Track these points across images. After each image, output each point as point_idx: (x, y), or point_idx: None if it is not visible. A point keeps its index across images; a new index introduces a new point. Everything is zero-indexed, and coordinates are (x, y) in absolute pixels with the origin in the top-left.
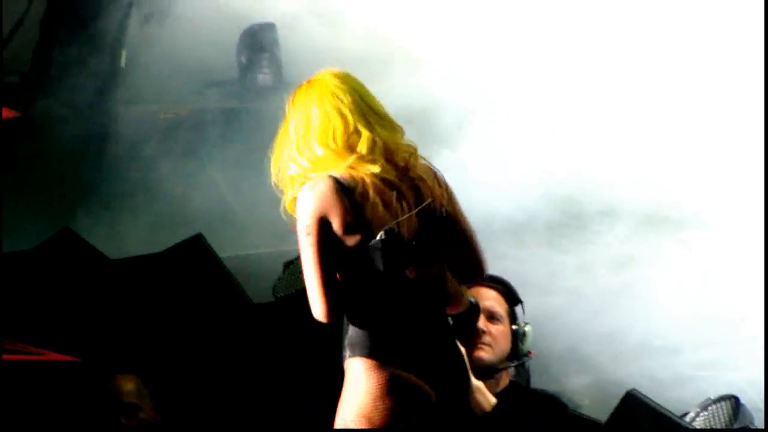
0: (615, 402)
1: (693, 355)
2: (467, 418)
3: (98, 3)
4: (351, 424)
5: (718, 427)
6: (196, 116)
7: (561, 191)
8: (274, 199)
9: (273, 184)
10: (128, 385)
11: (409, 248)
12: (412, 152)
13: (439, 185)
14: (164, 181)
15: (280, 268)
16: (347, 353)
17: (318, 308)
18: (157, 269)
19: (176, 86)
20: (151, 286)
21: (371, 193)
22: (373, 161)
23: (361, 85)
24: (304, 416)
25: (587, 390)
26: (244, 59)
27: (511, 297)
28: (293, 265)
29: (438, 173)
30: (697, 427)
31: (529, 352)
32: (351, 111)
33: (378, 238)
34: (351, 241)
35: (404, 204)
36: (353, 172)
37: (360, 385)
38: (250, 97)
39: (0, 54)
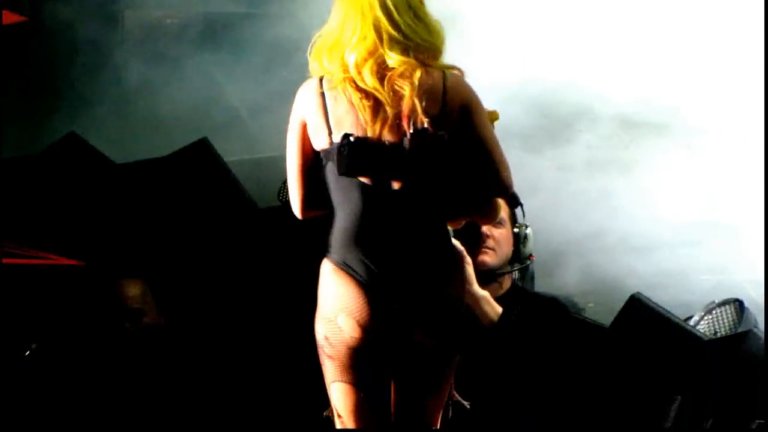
0: (616, 304)
1: (672, 255)
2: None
3: None
4: (316, 322)
5: (723, 330)
6: (200, 21)
7: (539, 94)
8: (277, 106)
9: None
10: (133, 289)
11: (366, 155)
12: (406, 69)
13: (441, 100)
14: (168, 83)
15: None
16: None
17: (292, 203)
18: (162, 173)
19: None
20: (156, 190)
21: (345, 99)
22: (359, 73)
23: None
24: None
25: (576, 289)
26: None
27: (512, 200)
28: None
29: (452, 90)
30: (702, 330)
31: (531, 255)
32: (365, 22)
33: (336, 141)
34: (320, 143)
35: (381, 114)
36: (337, 80)
37: (320, 282)
38: (255, 3)
39: None
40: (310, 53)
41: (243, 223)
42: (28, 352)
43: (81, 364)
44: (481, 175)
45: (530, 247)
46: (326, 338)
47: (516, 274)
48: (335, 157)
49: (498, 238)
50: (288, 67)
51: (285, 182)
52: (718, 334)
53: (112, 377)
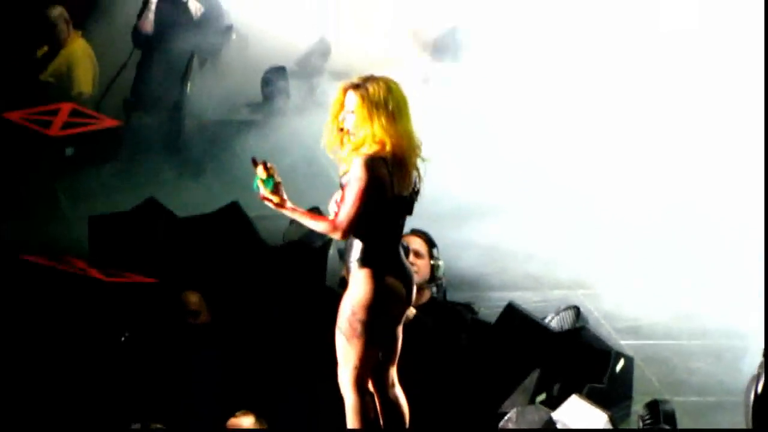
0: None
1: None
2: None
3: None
4: (350, 315)
5: (566, 326)
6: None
7: None
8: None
9: None
10: (193, 297)
11: None
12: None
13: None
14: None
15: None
16: (357, 266)
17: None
18: (207, 226)
19: (221, 105)
20: (204, 238)
21: None
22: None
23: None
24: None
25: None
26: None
27: (430, 242)
28: (296, 222)
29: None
30: (553, 326)
31: (441, 277)
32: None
33: None
34: None
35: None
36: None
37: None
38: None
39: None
40: None
41: (258, 258)
42: (123, 338)
43: (160, 346)
44: None
45: (441, 272)
46: None
47: (434, 289)
48: None
49: (420, 265)
50: None
51: (288, 228)
52: (564, 329)
53: (180, 355)
